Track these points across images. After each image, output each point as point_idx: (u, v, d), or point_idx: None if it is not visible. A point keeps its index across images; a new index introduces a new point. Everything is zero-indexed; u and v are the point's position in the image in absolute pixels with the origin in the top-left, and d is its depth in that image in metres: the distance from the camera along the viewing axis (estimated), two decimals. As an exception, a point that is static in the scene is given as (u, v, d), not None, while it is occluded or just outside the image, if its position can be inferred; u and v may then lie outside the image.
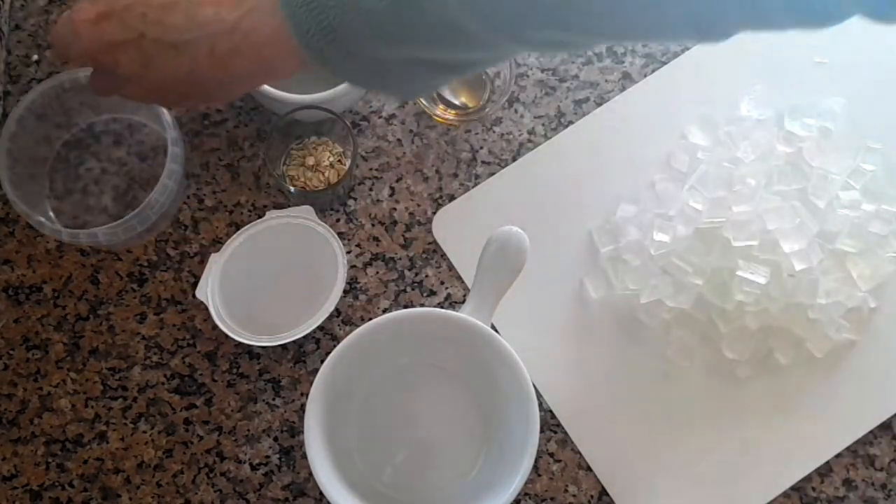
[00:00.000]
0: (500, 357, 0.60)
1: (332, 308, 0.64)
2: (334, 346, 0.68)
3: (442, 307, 0.69)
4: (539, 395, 0.66)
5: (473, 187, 0.71)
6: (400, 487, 0.65)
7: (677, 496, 0.66)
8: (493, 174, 0.71)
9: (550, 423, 0.67)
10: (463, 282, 0.70)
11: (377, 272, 0.70)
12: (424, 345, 0.64)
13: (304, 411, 0.67)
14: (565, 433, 0.67)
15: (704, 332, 0.67)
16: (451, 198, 0.71)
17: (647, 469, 0.66)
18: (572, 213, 0.70)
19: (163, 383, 0.67)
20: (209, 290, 0.64)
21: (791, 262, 0.65)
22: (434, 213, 0.71)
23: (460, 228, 0.70)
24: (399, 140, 0.72)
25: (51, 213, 0.68)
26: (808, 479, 0.66)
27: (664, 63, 0.73)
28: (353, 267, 0.70)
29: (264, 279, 0.67)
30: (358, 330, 0.60)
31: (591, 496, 0.67)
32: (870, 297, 0.67)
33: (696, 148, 0.70)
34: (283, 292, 0.67)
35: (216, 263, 0.65)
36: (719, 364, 0.67)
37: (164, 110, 0.64)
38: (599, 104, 0.73)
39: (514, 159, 0.72)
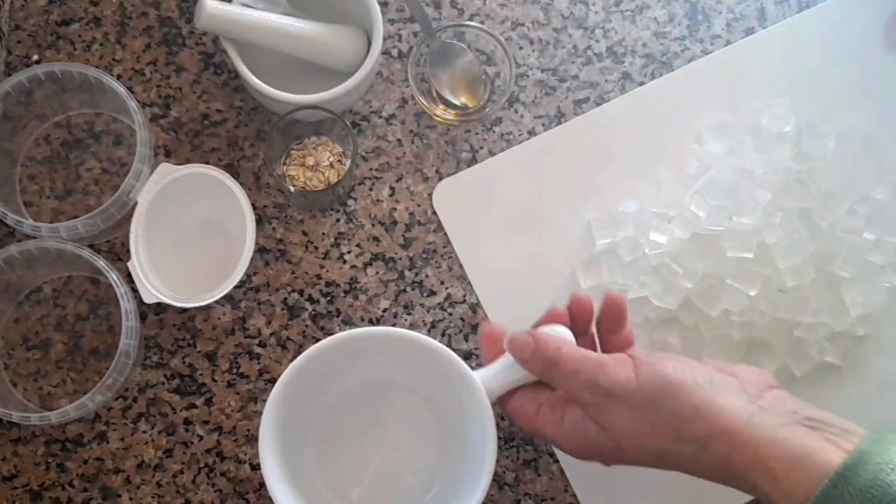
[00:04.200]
0: (460, 378, 0.59)
1: (247, 263, 0.64)
2: (334, 346, 0.68)
3: (442, 307, 0.69)
4: None
5: (478, 163, 0.71)
6: None
7: (659, 498, 0.65)
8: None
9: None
10: (463, 281, 0.70)
11: (377, 272, 0.70)
12: (384, 362, 0.63)
13: (304, 411, 0.67)
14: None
15: (687, 336, 0.67)
16: (451, 198, 0.71)
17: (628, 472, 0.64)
18: (575, 201, 0.70)
19: (163, 383, 0.67)
20: (135, 259, 0.64)
21: (783, 278, 0.65)
22: (434, 212, 0.71)
23: (460, 201, 0.70)
24: (399, 140, 0.72)
25: (24, 211, 0.69)
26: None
27: (663, 63, 0.73)
28: (353, 267, 0.70)
29: (181, 240, 0.68)
30: (312, 348, 0.59)
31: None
32: (858, 324, 0.67)
33: (708, 153, 0.70)
34: (200, 252, 0.68)
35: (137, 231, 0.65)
36: None
37: (129, 95, 0.64)
38: (599, 104, 0.73)
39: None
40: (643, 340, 0.67)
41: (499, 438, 0.67)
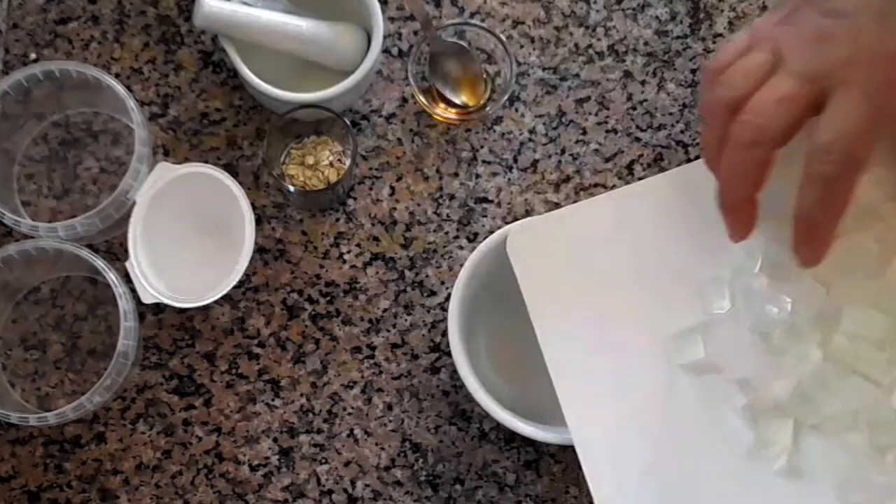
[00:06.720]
0: None
1: (245, 263, 0.64)
2: (334, 347, 0.68)
3: (443, 307, 0.69)
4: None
5: (563, 204, 0.70)
6: (519, 393, 0.66)
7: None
8: (495, 174, 0.71)
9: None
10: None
11: (377, 272, 0.69)
12: None
13: (303, 412, 0.67)
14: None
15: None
16: (452, 197, 0.71)
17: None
18: (684, 258, 0.59)
19: (161, 384, 0.67)
20: (134, 259, 0.64)
21: None
22: (435, 211, 0.70)
23: (540, 249, 0.61)
24: (399, 139, 0.71)
25: (22, 210, 0.69)
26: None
27: (665, 62, 0.73)
28: (353, 267, 0.69)
29: (180, 240, 0.67)
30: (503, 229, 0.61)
31: (593, 498, 0.66)
32: None
33: None
34: (198, 252, 0.68)
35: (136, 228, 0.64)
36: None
37: (128, 94, 0.64)
38: (601, 103, 0.72)
39: (515, 159, 0.71)
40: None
41: (499, 440, 0.67)
